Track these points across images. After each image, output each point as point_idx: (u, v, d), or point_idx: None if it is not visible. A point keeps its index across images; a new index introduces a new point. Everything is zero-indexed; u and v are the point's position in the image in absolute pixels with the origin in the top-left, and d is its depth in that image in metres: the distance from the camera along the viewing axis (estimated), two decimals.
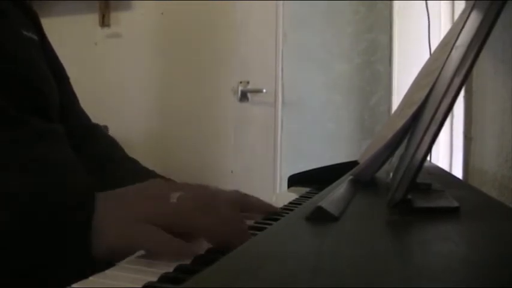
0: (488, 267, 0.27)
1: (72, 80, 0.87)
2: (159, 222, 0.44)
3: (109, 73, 2.42)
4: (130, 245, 0.43)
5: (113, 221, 0.45)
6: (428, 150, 0.38)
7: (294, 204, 0.72)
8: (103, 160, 0.81)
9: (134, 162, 0.84)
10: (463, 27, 0.45)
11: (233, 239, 0.42)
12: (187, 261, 0.40)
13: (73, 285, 0.34)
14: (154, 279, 0.35)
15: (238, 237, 0.43)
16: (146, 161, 0.84)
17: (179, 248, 0.42)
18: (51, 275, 0.43)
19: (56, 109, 0.74)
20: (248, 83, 2.20)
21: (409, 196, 0.42)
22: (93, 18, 2.43)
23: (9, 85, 0.64)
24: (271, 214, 0.59)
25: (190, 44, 2.31)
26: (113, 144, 0.87)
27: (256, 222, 0.56)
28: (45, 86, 0.71)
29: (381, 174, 0.63)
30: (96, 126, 0.89)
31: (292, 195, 0.78)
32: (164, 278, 0.36)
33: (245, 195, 0.61)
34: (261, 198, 0.63)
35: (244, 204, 0.59)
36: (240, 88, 2.19)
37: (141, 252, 0.43)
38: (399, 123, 0.52)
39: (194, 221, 0.45)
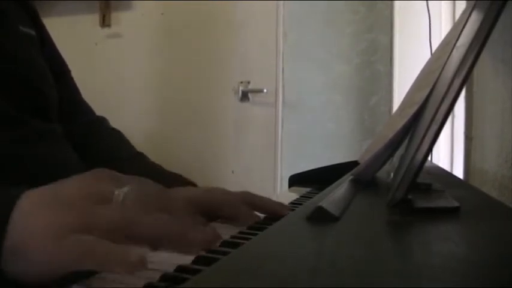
0: (488, 267, 0.27)
1: None
2: (96, 230, 0.35)
3: (109, 73, 2.42)
4: (60, 264, 0.34)
5: (34, 236, 0.34)
6: (429, 150, 0.38)
7: (294, 204, 0.72)
8: (109, 158, 0.80)
9: (142, 157, 0.83)
10: (463, 27, 0.45)
11: (181, 245, 0.37)
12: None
13: (73, 286, 0.34)
14: (154, 279, 0.35)
15: (188, 243, 0.37)
16: None
17: (125, 255, 0.33)
18: None
19: (55, 108, 0.73)
20: (249, 83, 2.20)
21: (410, 196, 0.42)
22: (94, 18, 2.43)
23: (7, 85, 0.64)
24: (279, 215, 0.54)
25: (190, 44, 2.31)
26: (119, 140, 0.86)
27: (256, 223, 0.56)
28: (44, 85, 0.71)
29: (381, 174, 0.63)
30: (100, 120, 0.88)
31: (292, 195, 0.78)
32: (164, 278, 0.36)
33: (254, 195, 0.57)
34: None
35: (255, 205, 0.56)
36: (241, 88, 2.19)
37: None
38: (400, 123, 0.52)
39: (139, 227, 0.37)
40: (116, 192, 0.39)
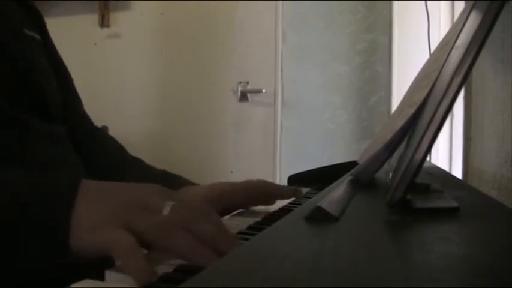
0: (488, 267, 0.27)
1: None
2: (139, 233, 0.40)
3: (108, 73, 2.42)
4: (99, 246, 0.40)
5: (93, 216, 0.42)
6: (428, 150, 0.38)
7: (293, 204, 0.72)
8: (111, 161, 0.81)
9: (142, 163, 0.84)
10: (462, 27, 0.45)
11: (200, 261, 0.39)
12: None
13: (73, 285, 0.34)
14: (154, 279, 0.35)
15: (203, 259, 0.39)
16: (146, 161, 0.84)
17: (142, 270, 0.37)
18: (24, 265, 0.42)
19: (57, 108, 0.73)
20: (248, 83, 2.20)
21: (409, 196, 0.42)
22: (93, 18, 2.43)
23: (11, 84, 0.64)
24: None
25: (189, 45, 2.31)
26: (119, 146, 0.87)
27: (256, 223, 0.56)
28: (47, 86, 0.71)
29: (380, 174, 0.63)
30: (99, 129, 0.89)
31: None
32: (164, 278, 0.36)
33: (268, 183, 0.69)
34: None
35: (269, 191, 0.66)
36: (240, 88, 2.19)
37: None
38: (399, 124, 0.52)
39: (172, 242, 0.41)
40: (166, 204, 0.43)
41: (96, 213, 0.42)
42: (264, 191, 0.72)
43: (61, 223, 0.41)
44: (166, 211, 0.42)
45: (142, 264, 0.38)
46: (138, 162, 0.83)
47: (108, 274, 0.38)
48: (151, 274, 0.37)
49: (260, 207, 0.72)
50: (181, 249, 0.40)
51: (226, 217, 0.68)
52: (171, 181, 0.75)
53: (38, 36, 0.74)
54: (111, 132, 1.87)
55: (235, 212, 0.71)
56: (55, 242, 0.41)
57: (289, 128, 2.17)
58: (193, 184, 0.77)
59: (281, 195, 0.72)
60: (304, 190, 0.85)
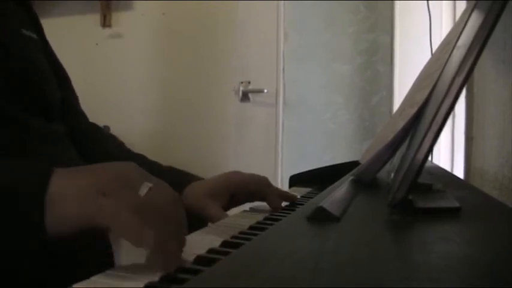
0: (488, 268, 0.27)
1: (73, 81, 0.87)
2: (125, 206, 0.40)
3: (110, 73, 2.42)
4: (87, 217, 0.40)
5: (73, 191, 0.41)
6: (430, 150, 0.38)
7: (295, 204, 0.72)
8: (115, 158, 0.81)
9: (146, 159, 0.84)
10: (464, 27, 0.45)
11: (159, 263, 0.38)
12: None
13: (75, 285, 0.34)
14: (154, 279, 0.36)
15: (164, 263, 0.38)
16: None
17: (146, 238, 0.38)
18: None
19: (57, 107, 0.74)
20: (249, 83, 2.20)
21: (410, 196, 0.42)
22: (95, 18, 2.43)
23: (10, 84, 0.64)
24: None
25: (191, 45, 2.31)
26: (120, 143, 0.87)
27: (257, 222, 0.56)
28: (46, 85, 0.71)
29: (382, 174, 0.63)
30: (98, 126, 0.89)
31: None
32: (165, 278, 0.36)
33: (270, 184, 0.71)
34: None
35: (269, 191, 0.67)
36: (241, 88, 2.19)
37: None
38: (400, 124, 0.52)
39: (147, 223, 0.40)
40: (144, 184, 0.42)
41: (75, 188, 0.41)
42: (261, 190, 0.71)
43: (35, 204, 0.40)
44: (143, 192, 0.42)
45: (134, 224, 0.38)
46: (142, 158, 0.83)
47: (109, 273, 0.38)
48: (146, 235, 0.37)
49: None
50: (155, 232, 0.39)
51: (236, 211, 0.68)
52: (179, 177, 0.76)
53: (35, 36, 0.74)
54: (112, 131, 1.87)
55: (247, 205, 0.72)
56: (30, 224, 0.40)
57: (291, 128, 2.17)
58: (200, 180, 0.77)
59: (270, 202, 0.70)
60: (306, 190, 0.85)
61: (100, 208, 0.40)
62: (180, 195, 0.50)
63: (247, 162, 2.18)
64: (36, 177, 0.42)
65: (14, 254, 0.42)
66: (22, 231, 0.40)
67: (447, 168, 1.62)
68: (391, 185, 0.50)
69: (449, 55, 0.46)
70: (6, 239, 0.41)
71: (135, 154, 0.85)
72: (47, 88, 0.71)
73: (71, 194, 0.41)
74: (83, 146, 0.79)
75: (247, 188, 0.71)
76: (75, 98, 0.86)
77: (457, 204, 0.43)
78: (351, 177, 0.61)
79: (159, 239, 0.39)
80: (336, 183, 0.62)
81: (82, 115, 0.87)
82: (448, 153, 1.74)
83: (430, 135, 0.38)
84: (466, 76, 0.37)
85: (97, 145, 0.83)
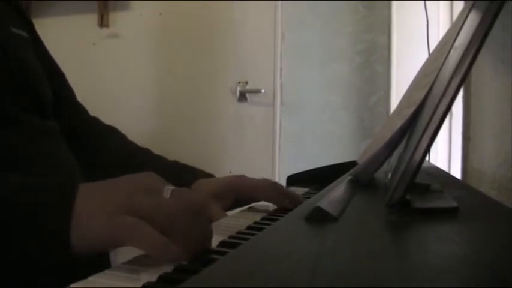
0: (487, 267, 0.27)
1: (70, 81, 0.87)
2: (146, 216, 0.41)
3: (107, 73, 2.42)
4: (112, 238, 0.41)
5: (95, 211, 0.41)
6: (427, 150, 0.38)
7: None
8: (120, 155, 0.81)
9: (152, 154, 0.85)
10: (461, 27, 0.45)
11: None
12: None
13: (73, 285, 0.34)
14: (153, 279, 0.35)
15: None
16: None
17: (168, 250, 0.39)
18: (27, 268, 0.42)
19: (49, 105, 0.73)
20: (247, 83, 2.20)
21: (408, 196, 0.42)
22: (92, 18, 2.43)
23: (4, 83, 0.64)
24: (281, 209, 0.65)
25: (188, 45, 2.31)
26: (122, 137, 0.87)
27: (255, 222, 0.56)
28: (38, 83, 0.71)
29: (379, 174, 0.63)
30: (95, 119, 0.89)
31: None
32: (163, 278, 0.36)
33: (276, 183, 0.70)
34: None
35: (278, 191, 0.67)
36: (239, 88, 2.19)
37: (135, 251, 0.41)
38: (398, 124, 0.52)
39: (179, 225, 0.41)
40: (165, 188, 0.44)
41: (98, 208, 0.42)
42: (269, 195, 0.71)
43: (61, 225, 0.41)
44: (166, 195, 0.43)
45: (161, 241, 0.39)
46: (148, 154, 0.84)
47: (108, 272, 0.37)
48: (173, 251, 0.39)
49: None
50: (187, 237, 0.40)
51: (236, 211, 0.68)
52: (186, 172, 0.77)
53: (25, 34, 0.73)
54: None
55: (246, 206, 0.71)
56: (56, 244, 0.41)
57: (289, 128, 2.17)
58: (207, 175, 0.78)
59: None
60: (303, 190, 0.85)
61: (125, 228, 0.40)
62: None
63: (245, 162, 2.18)
64: (62, 197, 0.43)
65: (36, 272, 0.43)
66: (48, 250, 0.41)
67: (444, 168, 1.62)
68: (388, 185, 0.50)
69: (447, 55, 0.46)
70: (31, 257, 0.41)
71: (140, 148, 0.85)
72: (39, 87, 0.71)
73: (94, 216, 0.41)
74: (85, 140, 0.79)
75: (252, 196, 0.71)
76: (71, 93, 0.86)
77: (454, 204, 0.43)
78: (349, 177, 0.61)
79: (186, 250, 0.40)
80: (333, 183, 0.62)
81: (80, 106, 0.86)
82: (446, 153, 1.75)
83: (428, 135, 0.38)
84: (464, 76, 0.37)
85: (100, 140, 0.83)
